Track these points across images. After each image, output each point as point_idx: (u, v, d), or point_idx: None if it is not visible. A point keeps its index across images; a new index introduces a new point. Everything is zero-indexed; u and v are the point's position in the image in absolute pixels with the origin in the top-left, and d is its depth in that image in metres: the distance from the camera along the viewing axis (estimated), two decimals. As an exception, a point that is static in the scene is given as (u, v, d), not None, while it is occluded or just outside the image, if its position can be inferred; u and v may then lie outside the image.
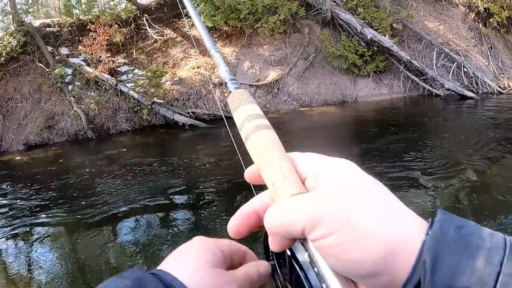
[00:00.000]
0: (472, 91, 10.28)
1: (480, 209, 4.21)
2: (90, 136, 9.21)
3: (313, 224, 0.29)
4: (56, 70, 9.91)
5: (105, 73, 9.89)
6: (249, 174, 0.38)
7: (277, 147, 0.36)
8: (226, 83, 0.49)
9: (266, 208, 0.34)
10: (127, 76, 10.13)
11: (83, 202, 5.00)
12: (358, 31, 9.57)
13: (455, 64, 10.38)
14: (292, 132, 7.91)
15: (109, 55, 10.36)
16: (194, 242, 0.40)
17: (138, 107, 9.43)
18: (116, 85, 9.61)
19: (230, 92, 0.46)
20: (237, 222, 0.36)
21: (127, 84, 9.72)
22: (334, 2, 10.06)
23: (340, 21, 9.79)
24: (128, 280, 0.33)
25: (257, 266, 0.41)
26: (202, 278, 0.35)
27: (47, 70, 10.29)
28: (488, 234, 0.27)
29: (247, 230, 0.36)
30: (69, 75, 10.41)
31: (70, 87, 10.16)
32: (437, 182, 4.99)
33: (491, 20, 11.41)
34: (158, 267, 0.37)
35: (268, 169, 0.34)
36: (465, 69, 10.43)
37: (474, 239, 0.26)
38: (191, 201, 4.94)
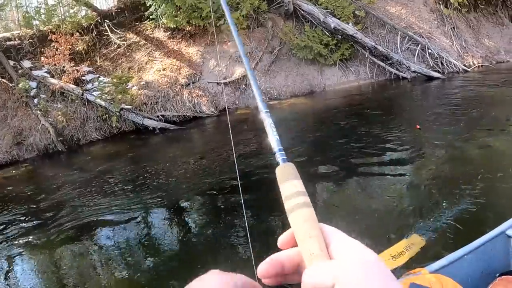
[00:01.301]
0: (438, 72, 10.46)
1: (450, 181, 4.29)
2: (60, 149, 8.98)
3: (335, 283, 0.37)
4: (20, 84, 9.63)
5: (70, 83, 9.66)
6: (282, 242, 0.45)
7: (316, 225, 0.43)
8: (275, 152, 0.51)
9: (292, 262, 0.42)
10: (92, 85, 9.92)
11: (59, 216, 4.88)
12: (321, 21, 9.60)
13: (419, 46, 10.54)
14: (262, 127, 7.88)
15: (73, 64, 10.13)
16: (207, 277, 0.40)
17: (107, 115, 9.25)
18: (82, 94, 9.40)
19: (278, 163, 0.50)
20: (266, 267, 0.42)
21: (94, 93, 9.52)
22: (296, -7, 10.07)
23: (302, 12, 9.81)
24: None
25: None
26: None
27: (10, 85, 9.99)
28: None
29: (273, 274, 0.42)
30: (33, 88, 10.14)
31: (35, 100, 9.90)
32: (408, 160, 5.09)
33: (452, 1, 11.63)
34: None
35: (309, 241, 0.42)
36: (429, 51, 10.61)
37: None
38: (168, 206, 4.86)
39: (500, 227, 2.04)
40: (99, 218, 4.62)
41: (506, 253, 2.00)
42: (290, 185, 0.46)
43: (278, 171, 0.48)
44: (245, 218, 4.06)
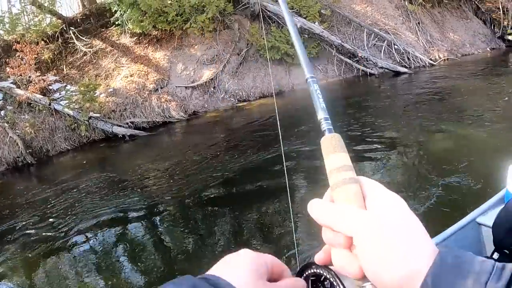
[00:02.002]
0: (405, 67, 10.69)
1: (419, 173, 4.42)
2: (30, 161, 8.79)
3: (354, 238, 0.40)
4: (-15, 96, 9.42)
5: (36, 93, 9.48)
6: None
7: (361, 204, 0.42)
8: (320, 121, 0.48)
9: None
10: (60, 94, 9.75)
11: (29, 230, 4.79)
12: (288, 21, 9.67)
13: (385, 42, 10.75)
14: (233, 130, 7.92)
15: (39, 74, 9.95)
16: (242, 253, 0.44)
17: (76, 124, 9.11)
18: (50, 104, 9.24)
19: (323, 132, 0.47)
20: (323, 255, 0.46)
21: (61, 102, 9.37)
22: (261, -6, 10.13)
23: (269, 13, 9.87)
24: (184, 286, 0.37)
25: (295, 282, 0.47)
26: (250, 286, 0.40)
27: (-25, 97, 9.76)
28: (479, 261, 0.36)
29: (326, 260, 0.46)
30: (0, 100, 9.92)
31: (2, 112, 9.67)
32: (378, 155, 5.19)
33: (416, -4, 11.91)
34: (209, 272, 0.41)
35: None
36: (395, 46, 10.83)
37: (466, 266, 0.35)
38: (143, 214, 4.80)
39: (471, 214, 2.06)
40: (72, 230, 4.55)
41: (477, 240, 2.03)
42: (336, 158, 0.45)
43: (324, 142, 0.46)
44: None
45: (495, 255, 1.62)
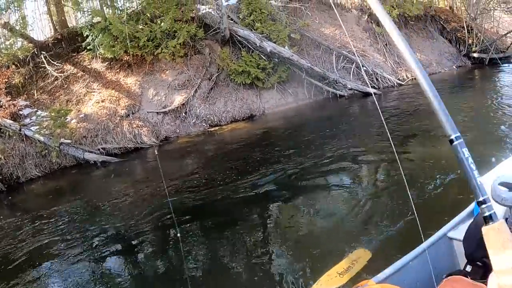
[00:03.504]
0: (374, 87, 11.06)
1: (388, 193, 4.59)
2: (0, 188, 8.67)
3: None
4: (-46, 120, 9.25)
5: (7, 118, 9.37)
6: None
7: None
8: (479, 201, 0.40)
9: None
10: (30, 119, 9.67)
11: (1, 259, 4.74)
12: (258, 45, 9.92)
13: (354, 64, 11.11)
14: (205, 156, 8.03)
15: (9, 98, 9.84)
16: None
17: (46, 151, 9.03)
18: (20, 130, 9.14)
19: (486, 219, 0.39)
20: None
21: (32, 128, 9.29)
22: (232, 20, 10.34)
23: (239, 37, 10.08)
24: None
25: None
26: None
27: None
28: None
29: None
30: (-32, 124, 9.75)
31: (-29, 138, 9.52)
32: (345, 177, 5.40)
33: (383, 19, 12.35)
34: None
35: None
36: (364, 68, 11.20)
37: None
38: (115, 239, 4.81)
39: (442, 230, 2.12)
40: (41, 261, 4.52)
41: (450, 254, 2.07)
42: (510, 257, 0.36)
43: (491, 233, 0.38)
44: (182, 253, 4.13)
45: (468, 268, 1.70)
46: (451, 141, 0.50)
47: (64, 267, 4.41)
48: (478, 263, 1.64)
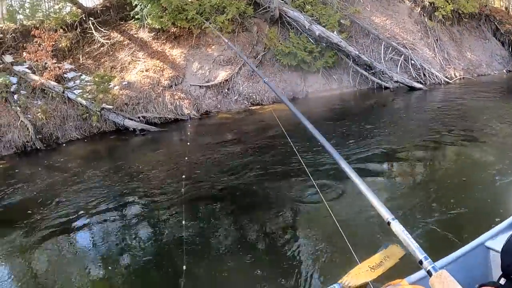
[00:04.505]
0: (420, 83, 10.63)
1: (429, 192, 4.34)
2: (39, 147, 8.81)
3: None
4: (0, 79, 9.44)
5: (51, 80, 9.51)
6: None
7: None
8: (421, 261, 0.47)
9: None
10: (74, 83, 9.79)
11: (36, 216, 4.79)
12: (307, 28, 9.67)
13: (402, 57, 10.70)
14: (245, 133, 7.92)
15: (55, 61, 9.97)
16: None
17: (87, 114, 9.13)
18: (63, 92, 9.26)
19: (429, 272, 0.43)
20: None
21: (75, 91, 9.39)
22: (282, 0, 10.12)
23: (288, 18, 9.86)
24: None
25: None
26: None
27: (-10, 79, 9.79)
28: None
29: None
30: (14, 84, 9.94)
31: (15, 96, 9.71)
32: (385, 171, 5.16)
33: (436, 13, 11.83)
34: None
35: None
36: (412, 62, 10.77)
37: None
38: (145, 208, 4.83)
39: (479, 238, 2.06)
40: (75, 219, 4.58)
41: (485, 264, 2.01)
42: None
43: (435, 280, 0.42)
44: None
45: (502, 281, 1.63)
46: (388, 223, 0.54)
47: (90, 224, 4.48)
48: None
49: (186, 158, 5.96)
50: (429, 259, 0.46)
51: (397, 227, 0.50)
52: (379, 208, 0.57)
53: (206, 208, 4.54)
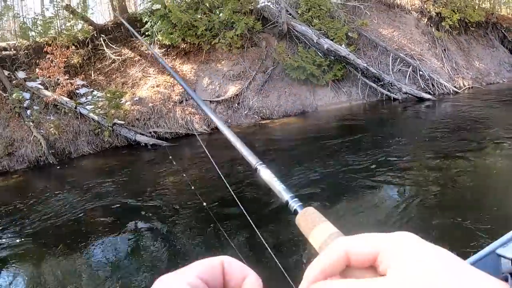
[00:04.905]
0: (429, 93, 10.65)
1: (439, 200, 4.36)
2: (51, 162, 8.94)
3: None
4: (14, 95, 9.62)
5: (63, 96, 9.67)
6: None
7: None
8: (287, 201, 0.47)
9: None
10: (86, 98, 9.94)
11: (48, 231, 4.87)
12: (315, 41, 9.75)
13: (410, 68, 10.73)
14: (254, 146, 7.97)
15: (67, 77, 10.15)
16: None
17: (99, 129, 9.27)
18: (76, 107, 9.42)
19: (295, 211, 0.44)
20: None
21: (87, 107, 9.54)
22: (290, 14, 10.23)
23: (296, 33, 9.95)
24: None
25: None
26: None
27: (4, 95, 9.98)
28: None
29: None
30: (27, 99, 10.13)
31: (28, 112, 9.88)
32: (397, 181, 5.17)
33: (443, 23, 11.88)
34: None
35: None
36: (420, 72, 10.80)
37: None
38: (156, 222, 4.88)
39: (491, 246, 1.99)
40: (87, 234, 4.62)
41: (496, 271, 1.93)
42: (321, 229, 0.41)
43: (301, 218, 0.43)
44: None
45: None
46: (256, 169, 0.55)
47: (101, 240, 4.51)
48: None
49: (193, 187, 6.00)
50: (296, 199, 0.45)
51: (264, 171, 0.53)
52: (247, 156, 0.63)
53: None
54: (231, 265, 0.33)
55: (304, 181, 5.41)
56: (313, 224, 0.42)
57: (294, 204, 0.46)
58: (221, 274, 0.32)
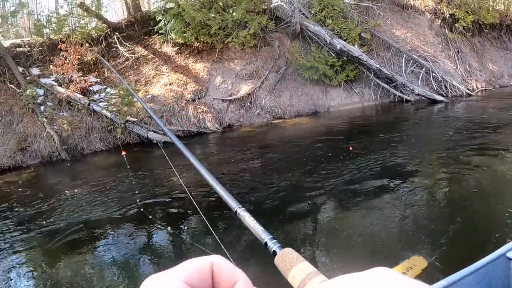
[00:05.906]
0: (442, 95, 10.56)
1: (450, 203, 4.36)
2: (64, 157, 9.04)
3: None
4: (28, 91, 9.74)
5: (77, 92, 9.77)
6: None
7: None
8: (266, 243, 0.48)
9: None
10: (99, 95, 10.03)
11: (60, 224, 4.91)
12: (328, 42, 9.73)
13: (423, 69, 10.65)
14: (268, 146, 7.98)
15: (81, 74, 10.25)
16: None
17: (112, 126, 9.34)
18: (89, 104, 9.50)
19: (274, 252, 0.46)
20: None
21: (100, 103, 9.62)
22: (303, 14, 10.22)
23: (309, 33, 9.94)
24: None
25: None
26: None
27: (18, 91, 10.10)
28: None
29: None
30: (40, 95, 10.24)
31: (42, 108, 10.00)
32: (408, 184, 5.13)
33: (456, 25, 11.79)
34: None
35: None
36: (433, 74, 10.72)
37: None
38: (167, 218, 4.91)
39: (501, 249, 2.05)
40: (98, 228, 4.67)
41: (506, 275, 2.02)
42: (300, 269, 0.42)
43: (280, 259, 0.45)
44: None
45: None
46: (236, 212, 0.56)
47: (111, 234, 4.55)
48: None
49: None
50: (275, 240, 0.46)
51: (243, 214, 0.53)
52: (227, 199, 0.62)
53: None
54: (221, 268, 0.31)
55: (313, 185, 5.38)
56: (291, 264, 0.43)
57: (273, 246, 0.47)
58: (209, 278, 0.31)
